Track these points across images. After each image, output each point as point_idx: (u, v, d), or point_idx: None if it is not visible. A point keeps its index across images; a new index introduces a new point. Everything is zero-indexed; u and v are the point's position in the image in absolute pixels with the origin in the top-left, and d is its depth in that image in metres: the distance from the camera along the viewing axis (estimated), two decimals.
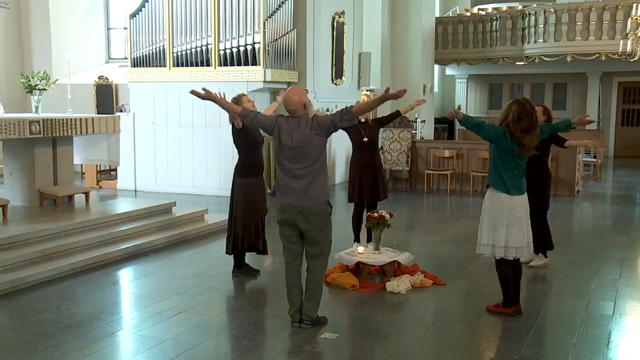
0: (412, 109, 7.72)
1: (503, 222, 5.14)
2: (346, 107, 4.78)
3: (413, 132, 13.98)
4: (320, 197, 4.87)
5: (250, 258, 6.80)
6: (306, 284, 5.01)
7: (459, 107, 5.93)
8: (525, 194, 5.27)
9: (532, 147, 5.09)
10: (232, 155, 7.97)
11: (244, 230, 6.30)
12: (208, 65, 11.54)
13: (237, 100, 6.28)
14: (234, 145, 6.40)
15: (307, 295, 5.00)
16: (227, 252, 6.52)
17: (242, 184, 6.30)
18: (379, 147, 8.72)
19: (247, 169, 6.29)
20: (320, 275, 5.04)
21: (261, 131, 6.16)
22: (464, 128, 5.60)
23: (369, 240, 7.46)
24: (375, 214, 6.48)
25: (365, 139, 7.33)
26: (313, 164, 4.82)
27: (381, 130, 8.54)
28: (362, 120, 7.34)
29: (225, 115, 6.26)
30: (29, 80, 8.89)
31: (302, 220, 4.83)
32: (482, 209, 5.29)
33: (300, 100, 4.82)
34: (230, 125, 6.31)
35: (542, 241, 6.91)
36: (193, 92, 5.29)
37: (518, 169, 5.17)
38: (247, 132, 6.17)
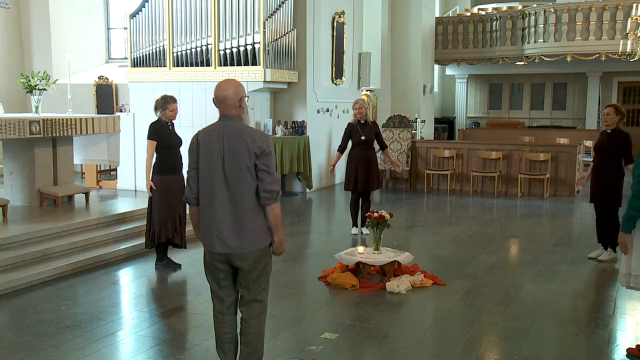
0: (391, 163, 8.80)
1: None
2: (274, 192, 3.62)
3: (413, 132, 13.98)
4: (259, 240, 3.70)
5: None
6: (241, 338, 3.87)
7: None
8: None
9: None
10: None
11: (160, 225, 6.67)
12: (208, 65, 11.54)
13: (163, 103, 6.66)
14: None
15: (245, 351, 3.86)
16: (146, 247, 6.84)
17: (159, 181, 6.70)
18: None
19: (164, 168, 6.71)
20: (259, 327, 3.87)
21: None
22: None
23: (363, 224, 8.34)
24: (375, 214, 6.47)
25: (363, 137, 8.21)
26: (248, 189, 3.60)
27: (381, 130, 9.11)
28: (362, 121, 8.31)
29: None
30: (29, 80, 8.89)
31: (237, 260, 3.72)
32: (634, 238, 4.67)
33: (236, 92, 3.74)
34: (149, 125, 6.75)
35: (612, 236, 6.98)
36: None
37: None
38: (163, 135, 6.67)
